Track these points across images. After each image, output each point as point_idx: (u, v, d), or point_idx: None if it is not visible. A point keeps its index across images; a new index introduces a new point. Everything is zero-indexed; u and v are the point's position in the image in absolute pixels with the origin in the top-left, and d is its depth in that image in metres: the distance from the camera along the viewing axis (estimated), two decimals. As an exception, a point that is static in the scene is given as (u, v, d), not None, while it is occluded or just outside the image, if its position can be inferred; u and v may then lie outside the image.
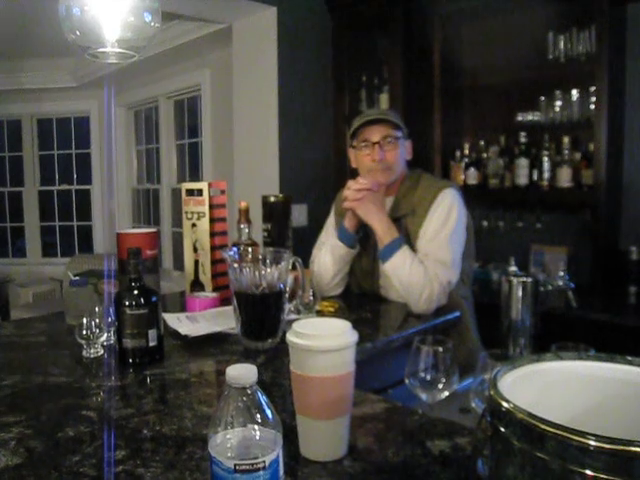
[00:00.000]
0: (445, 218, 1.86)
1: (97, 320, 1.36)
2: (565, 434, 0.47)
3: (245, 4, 3.29)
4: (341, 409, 0.84)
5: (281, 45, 3.36)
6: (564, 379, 0.64)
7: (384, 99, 3.42)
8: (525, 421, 0.50)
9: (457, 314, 1.84)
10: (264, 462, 0.64)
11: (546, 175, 2.91)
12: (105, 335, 1.40)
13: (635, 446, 0.45)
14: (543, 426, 0.48)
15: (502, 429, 0.53)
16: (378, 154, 1.92)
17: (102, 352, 1.39)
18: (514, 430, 0.51)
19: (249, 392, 0.66)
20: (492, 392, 0.55)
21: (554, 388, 0.63)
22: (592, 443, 0.46)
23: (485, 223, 3.25)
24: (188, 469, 0.83)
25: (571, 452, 0.47)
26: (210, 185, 1.88)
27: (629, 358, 0.65)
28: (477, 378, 1.04)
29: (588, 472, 0.47)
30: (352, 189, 1.88)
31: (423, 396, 1.10)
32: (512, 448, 0.51)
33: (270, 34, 3.37)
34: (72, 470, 0.83)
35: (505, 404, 0.53)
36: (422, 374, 1.09)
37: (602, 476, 0.46)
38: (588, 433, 0.47)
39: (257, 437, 0.65)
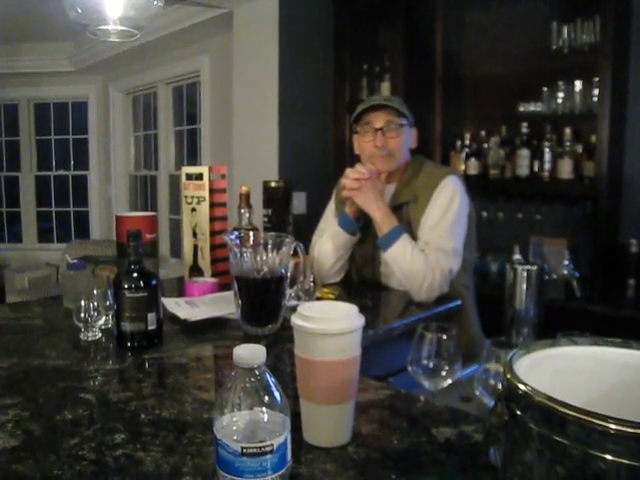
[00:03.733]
0: (447, 206, 1.84)
1: (95, 303, 1.34)
2: (587, 418, 0.45)
3: (246, -11, 3.27)
4: (346, 394, 0.83)
5: (282, 32, 3.33)
6: (578, 364, 0.63)
7: (385, 87, 3.40)
8: (544, 404, 0.48)
9: (458, 303, 1.83)
10: (272, 445, 0.63)
11: (547, 166, 2.90)
12: (103, 318, 1.38)
13: (658, 431, 0.44)
14: (564, 409, 0.47)
15: (519, 413, 0.51)
16: (380, 140, 1.89)
17: (100, 335, 1.37)
18: (532, 414, 0.50)
19: (257, 373, 0.64)
20: (509, 375, 0.53)
21: (568, 373, 0.62)
22: (613, 427, 0.45)
23: (485, 214, 3.24)
24: (189, 453, 0.81)
25: (593, 437, 0.45)
26: (210, 169, 1.85)
27: (644, 344, 0.64)
28: (481, 366, 1.02)
29: (608, 457, 0.45)
30: (350, 178, 1.85)
31: (426, 384, 1.08)
32: (530, 433, 0.50)
33: (271, 20, 3.34)
34: (71, 453, 0.81)
35: (522, 387, 0.51)
36: (425, 361, 1.07)
37: (623, 461, 0.45)
38: (610, 417, 0.45)
39: (265, 420, 0.64)
